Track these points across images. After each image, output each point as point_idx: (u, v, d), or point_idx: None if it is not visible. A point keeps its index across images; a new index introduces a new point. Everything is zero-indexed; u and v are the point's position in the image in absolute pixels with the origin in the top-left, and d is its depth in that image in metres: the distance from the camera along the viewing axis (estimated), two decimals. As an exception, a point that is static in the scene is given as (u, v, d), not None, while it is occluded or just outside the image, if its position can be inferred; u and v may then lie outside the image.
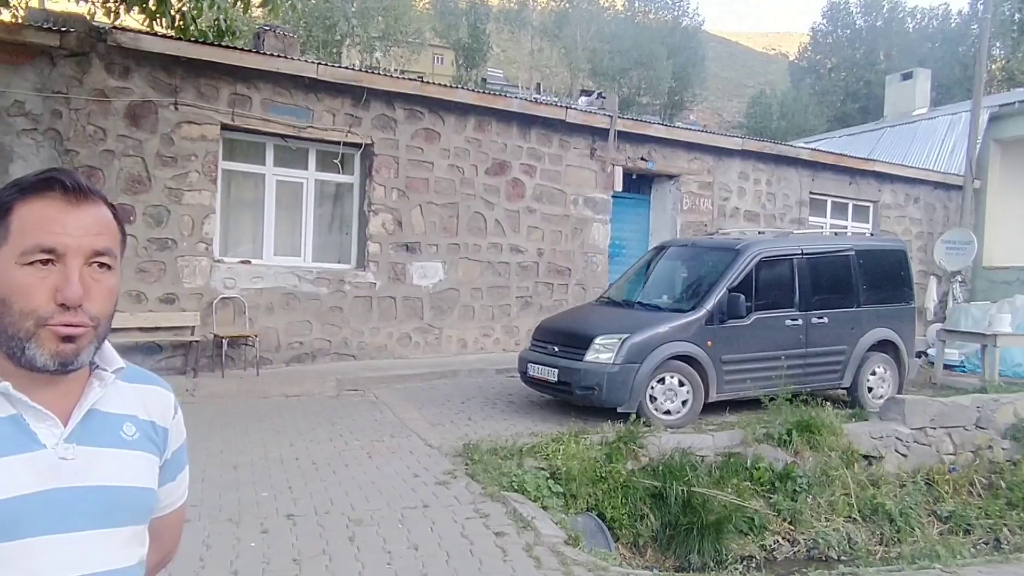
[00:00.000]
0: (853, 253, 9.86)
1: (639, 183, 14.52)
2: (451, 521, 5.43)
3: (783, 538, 7.28)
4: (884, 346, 9.93)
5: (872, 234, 15.23)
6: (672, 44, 65.80)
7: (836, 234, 12.63)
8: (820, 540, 7.30)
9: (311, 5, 47.00)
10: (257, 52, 10.95)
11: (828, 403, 9.10)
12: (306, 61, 11.27)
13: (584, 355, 8.29)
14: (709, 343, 8.52)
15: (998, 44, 47.88)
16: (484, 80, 59.07)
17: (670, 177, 14.37)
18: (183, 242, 10.03)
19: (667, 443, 7.46)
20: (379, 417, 8.48)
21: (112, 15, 9.62)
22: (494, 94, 14.44)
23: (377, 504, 5.71)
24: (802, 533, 7.32)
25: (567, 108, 13.88)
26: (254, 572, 4.51)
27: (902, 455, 8.49)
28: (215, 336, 10.00)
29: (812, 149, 16.78)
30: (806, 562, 6.98)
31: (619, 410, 8.15)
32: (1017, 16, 45.60)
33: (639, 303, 9.34)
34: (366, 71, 12.23)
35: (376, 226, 11.43)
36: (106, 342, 1.34)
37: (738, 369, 8.73)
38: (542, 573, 4.69)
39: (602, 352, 8.21)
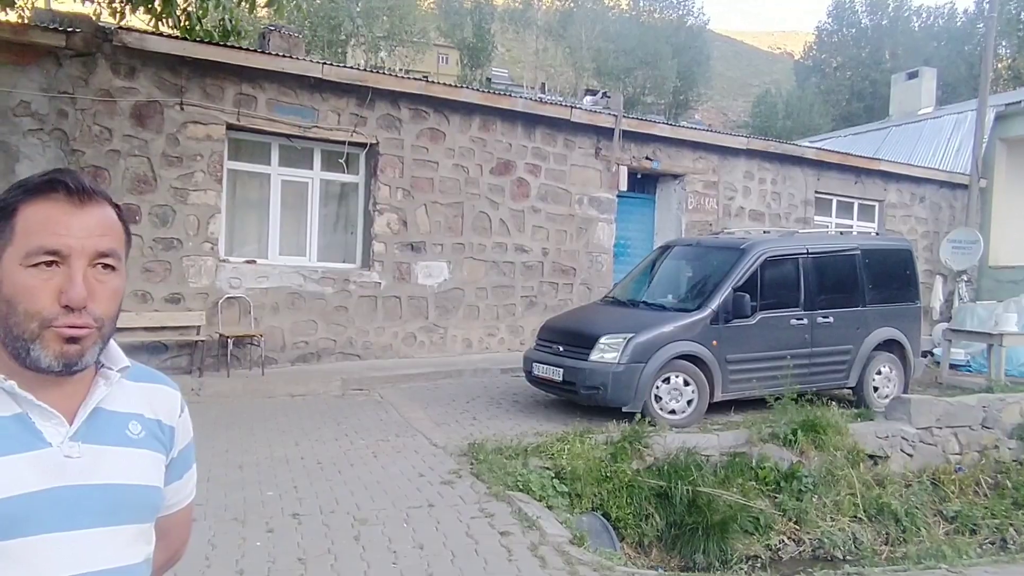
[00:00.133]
0: (858, 252, 9.83)
1: (644, 183, 14.51)
2: (456, 520, 5.43)
3: (788, 538, 7.27)
4: (890, 345, 9.91)
5: (878, 233, 15.21)
6: (677, 43, 65.78)
7: (841, 233, 12.60)
8: (825, 540, 7.29)
9: (316, 5, 47.03)
10: (262, 52, 10.96)
11: (833, 403, 9.09)
12: (311, 61, 11.28)
13: (589, 355, 8.29)
14: (714, 343, 8.51)
15: (1004, 43, 47.74)
16: (489, 80, 59.06)
17: (675, 176, 14.35)
18: (189, 242, 10.05)
19: (672, 443, 7.45)
20: (384, 417, 8.48)
21: (118, 15, 9.64)
22: (499, 94, 14.43)
23: (382, 503, 5.72)
24: (807, 533, 7.31)
25: (572, 108, 13.89)
26: (260, 571, 4.51)
27: (908, 455, 8.48)
28: (220, 336, 10.02)
29: (817, 148, 16.73)
30: (811, 562, 6.97)
31: (624, 410, 8.14)
32: (1023, 15, 45.46)
33: (644, 303, 9.33)
34: (371, 71, 12.23)
35: (381, 226, 11.43)
36: (112, 341, 1.34)
37: (743, 369, 8.72)
38: (547, 573, 4.68)
39: (607, 352, 8.21)
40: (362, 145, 11.38)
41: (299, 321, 10.79)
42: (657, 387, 8.29)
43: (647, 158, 13.80)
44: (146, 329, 9.62)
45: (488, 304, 12.34)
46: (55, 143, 9.31)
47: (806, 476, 7.53)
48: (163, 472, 1.41)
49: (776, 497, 7.38)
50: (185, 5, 9.66)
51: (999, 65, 47.73)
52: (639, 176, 14.18)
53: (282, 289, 10.69)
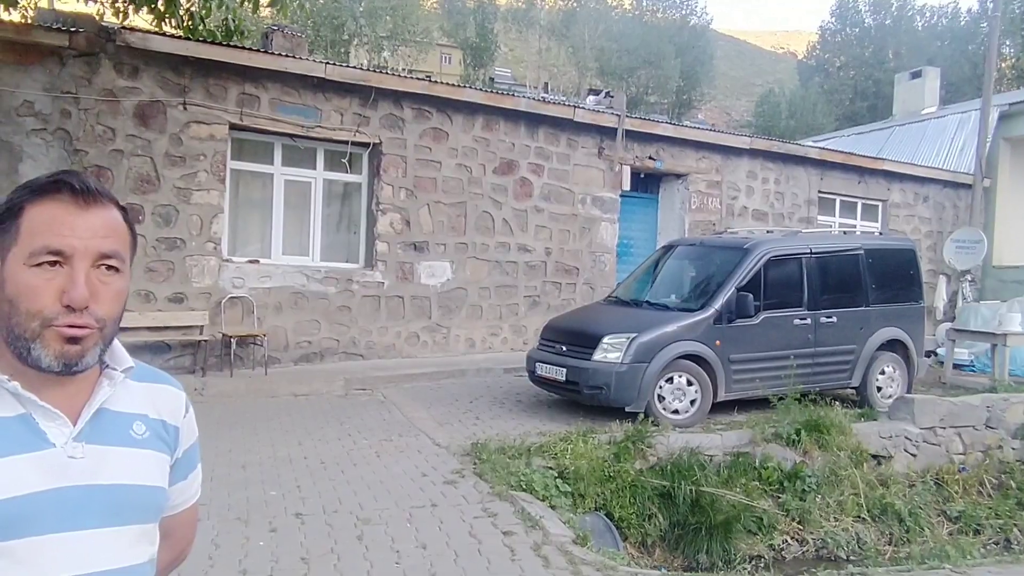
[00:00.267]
0: (862, 252, 9.82)
1: (647, 182, 14.49)
2: (459, 520, 5.43)
3: (792, 538, 7.26)
4: (893, 345, 9.90)
5: (881, 233, 15.20)
6: (680, 43, 65.77)
7: (845, 233, 12.58)
8: (829, 540, 7.28)
9: (319, 5, 47.09)
10: (265, 52, 10.96)
11: (837, 402, 9.09)
12: (314, 61, 11.29)
13: (592, 354, 8.29)
14: (717, 342, 8.50)
15: (1008, 42, 47.70)
16: (492, 79, 59.12)
17: (678, 176, 14.34)
18: (192, 242, 10.06)
19: (675, 442, 7.45)
20: (387, 416, 8.48)
21: (121, 15, 9.65)
22: (502, 93, 14.44)
23: (385, 503, 5.72)
24: (811, 533, 7.30)
25: (575, 107, 13.88)
26: (263, 571, 4.52)
27: (911, 455, 8.46)
28: (223, 335, 10.03)
29: (821, 148, 16.72)
30: (815, 562, 6.96)
31: (627, 409, 8.14)
32: (1027, 14, 45.41)
33: (647, 302, 9.32)
34: (374, 71, 12.23)
35: (384, 225, 11.44)
36: (116, 341, 1.34)
37: (746, 368, 8.71)
38: (550, 572, 4.68)
39: (610, 351, 8.20)
40: (365, 145, 11.38)
41: (302, 321, 10.80)
42: (660, 387, 8.28)
43: (650, 158, 13.79)
44: (149, 329, 9.63)
45: (491, 304, 12.34)
46: (58, 143, 9.32)
47: (809, 476, 7.52)
48: (167, 472, 1.41)
49: (779, 497, 7.38)
50: (188, 5, 9.68)
51: (1003, 64, 47.69)
52: (642, 176, 14.16)
53: (285, 289, 10.69)
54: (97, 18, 9.71)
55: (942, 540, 7.51)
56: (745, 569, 6.52)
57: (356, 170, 11.59)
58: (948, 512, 8.09)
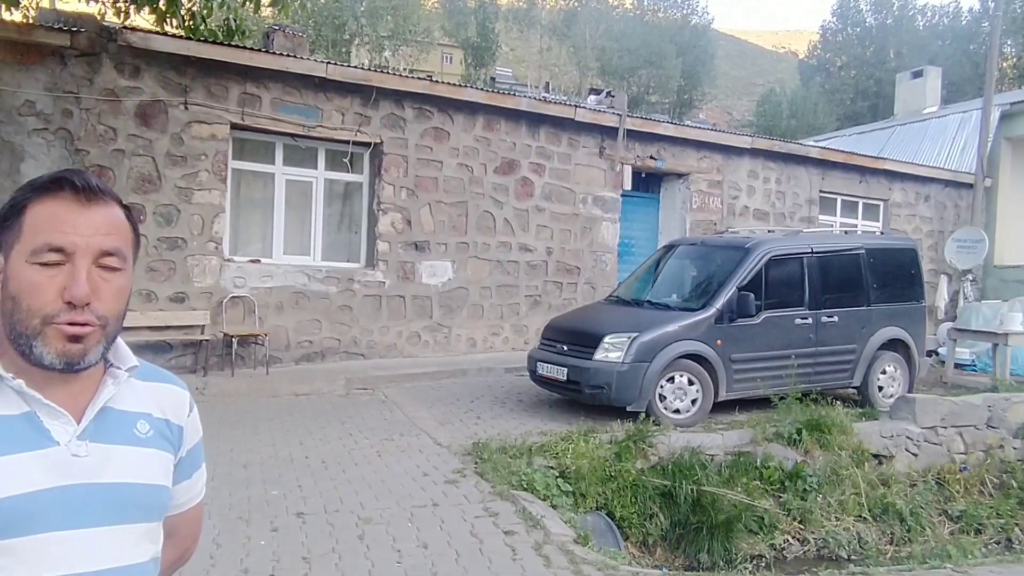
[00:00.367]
0: (863, 252, 9.82)
1: (648, 182, 14.49)
2: (460, 520, 5.44)
3: (793, 537, 7.26)
4: (894, 345, 9.90)
5: (882, 233, 15.19)
6: (681, 42, 65.77)
7: (846, 233, 12.57)
8: (830, 539, 7.27)
9: (320, 4, 47.12)
10: (267, 52, 10.96)
11: (838, 402, 9.08)
12: (315, 60, 11.29)
13: (593, 354, 8.29)
14: (719, 342, 8.50)
15: (1009, 42, 47.69)
16: (493, 79, 59.13)
17: (679, 176, 14.34)
18: (193, 241, 10.06)
19: (676, 442, 7.45)
20: (388, 416, 8.49)
21: (122, 15, 9.66)
22: (503, 93, 14.44)
23: (387, 503, 5.72)
24: (812, 532, 7.30)
25: (576, 107, 13.87)
26: (264, 570, 4.52)
27: (913, 454, 8.46)
28: (225, 335, 10.03)
29: (822, 147, 16.71)
30: (816, 561, 6.95)
31: (628, 409, 8.14)
32: (1029, 13, 45.38)
33: (648, 302, 9.32)
34: (375, 70, 12.24)
35: (385, 225, 11.44)
36: (120, 340, 1.35)
37: (748, 368, 8.71)
38: (552, 572, 4.68)
39: (611, 351, 8.20)
40: (366, 144, 11.39)
41: (303, 320, 10.80)
42: (661, 386, 8.28)
43: (651, 157, 13.79)
44: (150, 328, 9.63)
45: (492, 303, 12.34)
46: (60, 143, 9.33)
47: (810, 476, 7.52)
48: (171, 471, 1.41)
49: (780, 496, 7.37)
50: (189, 5, 9.69)
51: (1004, 64, 47.66)
52: (643, 175, 14.16)
53: (286, 288, 10.70)
54: (98, 18, 9.71)
55: (943, 540, 7.51)
56: (746, 568, 6.51)
57: (357, 170, 11.59)
58: (949, 512, 8.08)
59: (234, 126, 10.39)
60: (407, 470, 6.51)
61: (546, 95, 41.12)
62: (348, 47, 51.19)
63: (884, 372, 9.84)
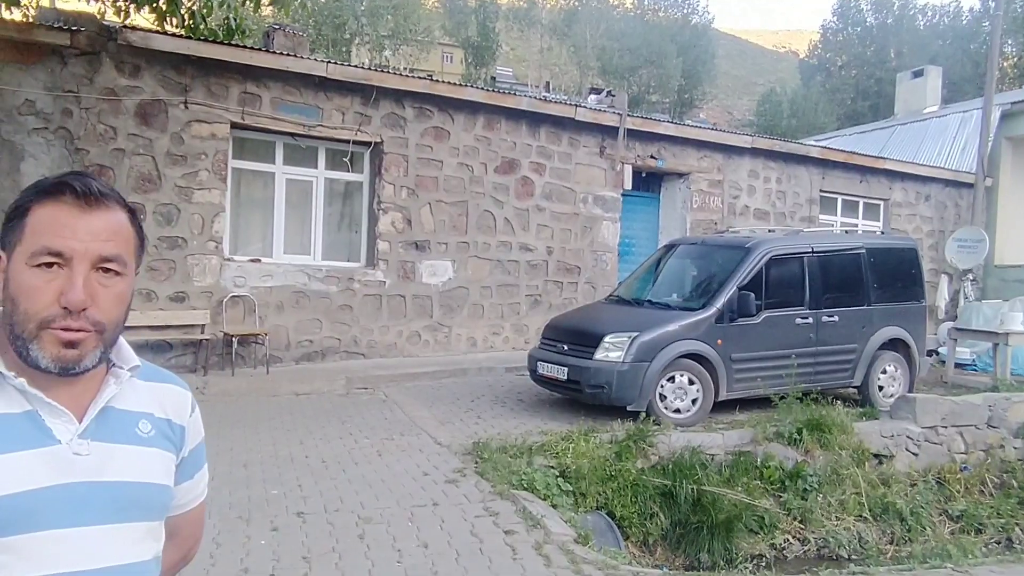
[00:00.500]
0: (864, 251, 9.81)
1: (649, 181, 14.49)
2: (461, 519, 5.43)
3: (793, 537, 7.26)
4: (895, 344, 9.89)
5: (883, 232, 15.18)
6: (682, 42, 65.72)
7: (847, 232, 12.57)
8: (830, 539, 7.27)
9: (320, 4, 47.10)
10: (267, 51, 10.96)
11: (838, 402, 9.08)
12: (316, 60, 11.28)
13: (594, 353, 8.28)
14: (719, 341, 8.50)
15: (1010, 41, 47.67)
16: (493, 78, 59.10)
17: (680, 175, 14.34)
18: (193, 241, 10.06)
19: (677, 442, 7.44)
20: (389, 415, 8.48)
21: (122, 14, 9.64)
22: (503, 92, 14.44)
23: (387, 502, 5.72)
24: (812, 532, 7.30)
25: (576, 106, 13.88)
26: (264, 570, 4.52)
27: (913, 454, 8.46)
28: (225, 334, 10.03)
29: (822, 147, 16.71)
30: (816, 561, 6.95)
31: (629, 409, 8.14)
32: (1029, 13, 45.37)
33: (649, 301, 9.32)
34: (375, 70, 12.24)
35: (385, 224, 11.44)
36: (123, 340, 1.35)
37: (748, 367, 8.70)
38: (552, 572, 4.68)
39: (612, 350, 8.20)
40: (366, 144, 11.38)
41: (303, 320, 10.80)
42: (662, 386, 8.28)
43: (652, 157, 13.78)
44: (151, 328, 9.63)
45: (492, 303, 12.34)
46: (60, 142, 9.32)
47: (811, 475, 7.52)
48: (173, 471, 1.41)
49: (781, 496, 7.37)
50: (189, 4, 9.67)
51: (1005, 63, 47.66)
52: (644, 175, 14.16)
53: (286, 288, 10.69)
54: (98, 17, 9.70)
55: (944, 539, 7.50)
56: (747, 568, 6.51)
57: (357, 169, 11.59)
58: (950, 511, 8.08)
59: (234, 125, 10.38)
60: (407, 469, 6.51)
61: (546, 94, 41.10)
62: (348, 46, 51.17)
63: (884, 372, 9.84)
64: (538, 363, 8.89)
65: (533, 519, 5.48)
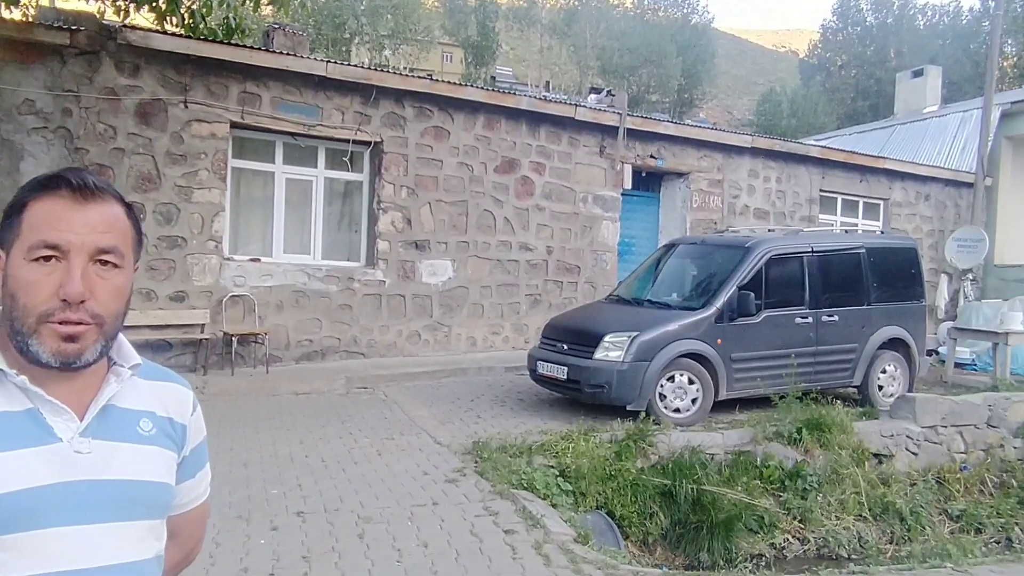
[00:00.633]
0: (863, 251, 9.81)
1: (649, 181, 14.49)
2: (460, 519, 5.43)
3: (793, 537, 7.25)
4: (895, 344, 9.89)
5: (883, 232, 15.19)
6: (681, 41, 65.73)
7: (846, 232, 12.56)
8: (830, 539, 7.27)
9: (320, 3, 47.12)
10: (266, 50, 10.96)
11: (838, 401, 9.07)
12: (315, 59, 11.28)
13: (594, 353, 8.28)
14: (719, 341, 8.50)
15: (1010, 41, 47.67)
16: (493, 78, 59.07)
17: (680, 175, 14.34)
18: (193, 240, 10.06)
19: (677, 441, 7.44)
20: (388, 415, 8.48)
21: (122, 13, 9.65)
22: (503, 92, 14.44)
23: (386, 502, 5.72)
24: (812, 532, 7.30)
25: (576, 106, 13.88)
26: (264, 569, 4.52)
27: (913, 454, 8.46)
28: (225, 334, 10.03)
29: (822, 147, 16.72)
30: (816, 561, 6.95)
31: (628, 408, 8.13)
32: (1029, 13, 45.37)
33: (649, 301, 9.32)
34: (375, 69, 12.24)
35: (385, 224, 11.43)
36: (123, 338, 1.35)
37: (748, 367, 8.70)
38: (552, 571, 4.68)
39: (612, 350, 8.20)
40: (366, 143, 11.38)
41: (303, 319, 10.80)
42: (661, 385, 8.28)
43: (652, 156, 13.78)
44: (150, 327, 9.63)
45: (492, 302, 12.34)
46: (59, 141, 9.32)
47: (811, 475, 7.52)
48: (174, 469, 1.41)
49: (781, 496, 7.37)
50: (189, 3, 9.68)
51: (1005, 63, 47.65)
52: (644, 174, 14.16)
53: (286, 287, 10.69)
54: (98, 16, 9.70)
55: (943, 539, 7.50)
56: (746, 568, 6.51)
57: (357, 168, 11.59)
58: (949, 511, 8.08)
59: (234, 125, 10.38)
60: (407, 469, 6.50)
61: (546, 94, 41.08)
62: (348, 46, 51.15)
63: (884, 371, 9.84)
64: (538, 363, 8.89)
65: (533, 519, 5.48)
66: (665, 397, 8.31)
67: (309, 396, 9.35)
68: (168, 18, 9.57)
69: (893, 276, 10.01)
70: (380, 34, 54.18)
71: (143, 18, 9.91)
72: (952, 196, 17.69)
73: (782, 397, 8.33)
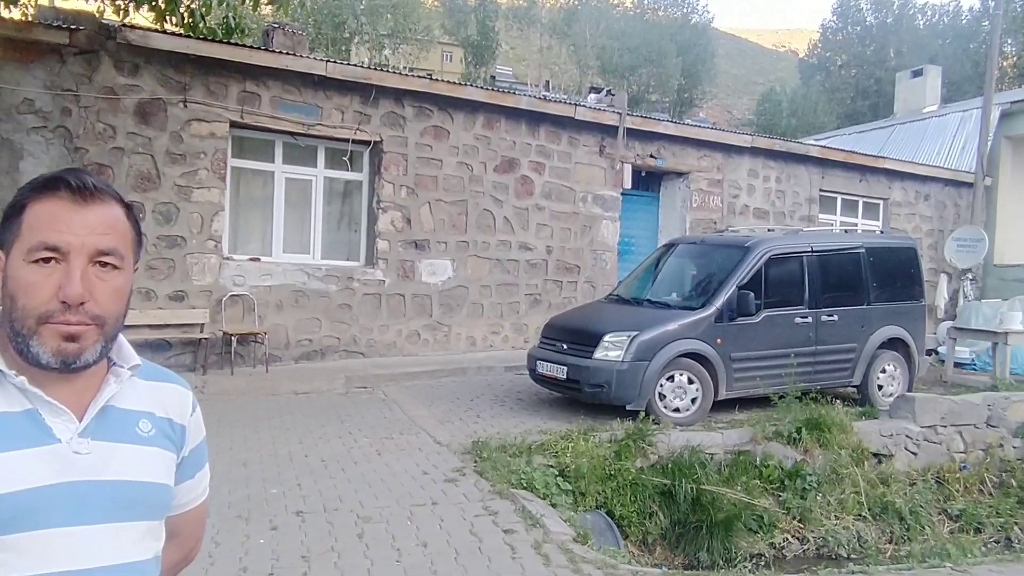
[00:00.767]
0: (863, 251, 9.81)
1: (648, 180, 14.49)
2: (460, 518, 5.43)
3: (792, 536, 7.25)
4: (894, 344, 9.90)
5: (882, 232, 15.19)
6: (681, 41, 65.74)
7: (846, 232, 12.57)
8: (830, 538, 7.27)
9: (320, 2, 47.13)
10: (266, 50, 10.95)
11: (838, 401, 9.07)
12: (315, 59, 11.27)
13: (593, 352, 8.28)
14: (718, 341, 8.50)
15: (1009, 40, 47.68)
16: (493, 78, 59.06)
17: (679, 175, 14.33)
18: (192, 239, 10.05)
19: (676, 441, 7.44)
20: (388, 414, 8.48)
21: (121, 13, 9.65)
22: (503, 91, 14.44)
23: (386, 501, 5.71)
24: (812, 531, 7.30)
25: (576, 105, 13.88)
26: (263, 569, 4.51)
27: (912, 453, 8.46)
28: (224, 333, 10.03)
29: (822, 146, 16.72)
30: (816, 560, 6.95)
31: (628, 408, 8.13)
32: (1029, 12, 45.36)
33: (648, 301, 9.32)
34: (375, 68, 12.25)
35: (385, 223, 11.43)
36: (123, 339, 1.35)
37: (748, 367, 8.70)
38: (551, 571, 4.68)
39: (611, 350, 8.20)
40: (366, 143, 11.38)
41: (303, 319, 10.80)
42: (661, 385, 8.28)
43: (651, 156, 13.78)
44: (150, 327, 9.63)
45: (492, 302, 12.34)
46: (59, 140, 9.32)
47: (810, 474, 7.52)
48: (173, 470, 1.41)
49: (780, 495, 7.37)
50: (189, 2, 9.68)
51: (1004, 63, 47.66)
52: (643, 174, 14.16)
53: (286, 287, 10.69)
54: (98, 16, 9.70)
55: (943, 538, 7.50)
56: (746, 567, 6.51)
57: (357, 168, 11.59)
58: (949, 510, 8.08)
59: (233, 124, 10.38)
60: (406, 469, 6.50)
61: (546, 93, 41.09)
62: (348, 45, 51.16)
63: (884, 371, 9.84)
64: (537, 362, 8.89)
65: (532, 518, 5.48)
66: (665, 397, 8.31)
67: (308, 396, 9.35)
68: (167, 17, 9.58)
69: (893, 276, 10.01)
70: (380, 33, 54.21)
71: (142, 17, 9.91)
72: (952, 196, 17.69)
73: (781, 397, 8.33)
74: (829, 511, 7.45)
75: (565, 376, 8.46)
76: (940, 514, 8.03)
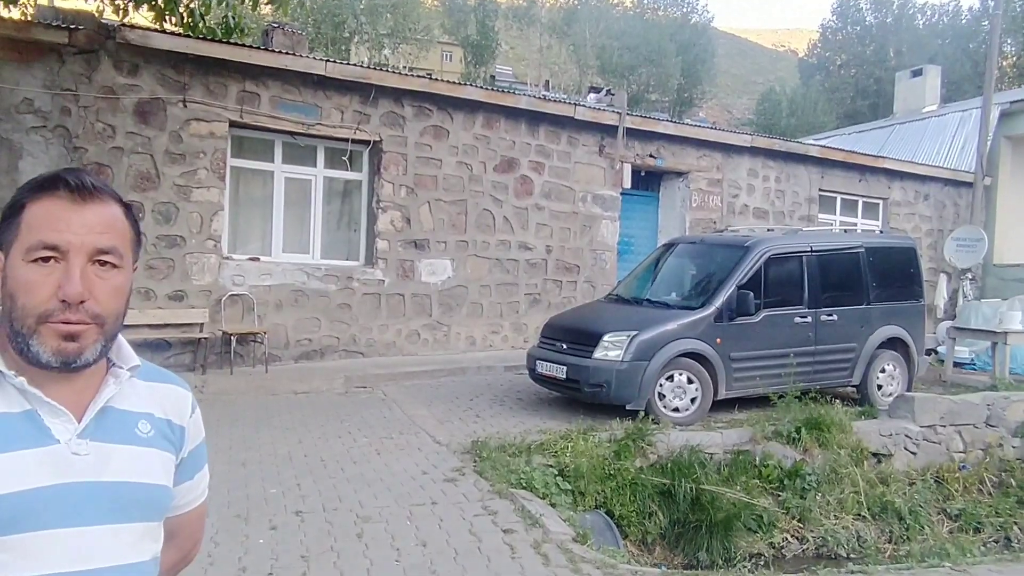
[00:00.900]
0: (863, 250, 9.82)
1: (648, 180, 14.48)
2: (459, 518, 5.43)
3: (792, 536, 7.26)
4: (894, 344, 9.90)
5: (882, 231, 15.19)
6: (681, 41, 65.70)
7: (845, 231, 12.57)
8: (829, 538, 7.27)
9: (320, 2, 47.11)
10: (266, 49, 10.95)
11: (837, 401, 9.08)
12: (315, 58, 11.26)
13: (593, 352, 8.28)
14: (718, 340, 8.50)
15: (1009, 40, 47.68)
16: (493, 77, 59.05)
17: (679, 174, 14.33)
18: (192, 239, 10.05)
19: (676, 441, 7.44)
20: (388, 414, 8.48)
21: (121, 12, 9.64)
22: (503, 91, 14.44)
23: (385, 501, 5.71)
24: (811, 531, 7.30)
25: (576, 105, 13.88)
26: (263, 569, 4.51)
27: (912, 453, 8.46)
28: (224, 333, 10.03)
29: (822, 146, 16.73)
30: (815, 560, 6.96)
31: (628, 407, 8.13)
32: (1028, 12, 45.37)
33: (648, 300, 9.32)
34: (374, 68, 12.25)
35: (384, 223, 11.43)
36: (122, 339, 1.35)
37: (747, 366, 8.71)
38: (550, 571, 4.68)
39: (611, 349, 8.20)
40: (365, 142, 11.38)
41: (302, 318, 10.80)
42: (661, 385, 8.28)
43: (651, 155, 13.78)
44: (149, 327, 9.62)
45: (492, 302, 12.34)
46: (58, 140, 9.32)
47: (810, 474, 7.52)
48: (172, 472, 1.41)
49: (780, 495, 7.38)
50: (188, 2, 9.67)
51: (1004, 63, 47.67)
52: (643, 174, 14.15)
53: (285, 286, 10.69)
54: (97, 15, 9.70)
55: (942, 538, 7.50)
56: (745, 567, 6.51)
57: (356, 168, 11.58)
58: (948, 510, 8.08)
59: (233, 124, 10.38)
60: (406, 468, 6.50)
61: (546, 93, 41.09)
62: (347, 45, 51.16)
63: (883, 371, 9.84)
64: (537, 362, 8.89)
65: (532, 518, 5.48)
66: (664, 396, 8.31)
67: (308, 395, 9.35)
68: (167, 17, 9.57)
69: (892, 275, 10.01)
70: (379, 33, 54.21)
71: (142, 17, 9.91)
72: (951, 195, 17.69)
73: (781, 396, 8.33)
74: (828, 511, 7.45)
75: (565, 376, 8.46)
76: (939, 514, 8.03)
